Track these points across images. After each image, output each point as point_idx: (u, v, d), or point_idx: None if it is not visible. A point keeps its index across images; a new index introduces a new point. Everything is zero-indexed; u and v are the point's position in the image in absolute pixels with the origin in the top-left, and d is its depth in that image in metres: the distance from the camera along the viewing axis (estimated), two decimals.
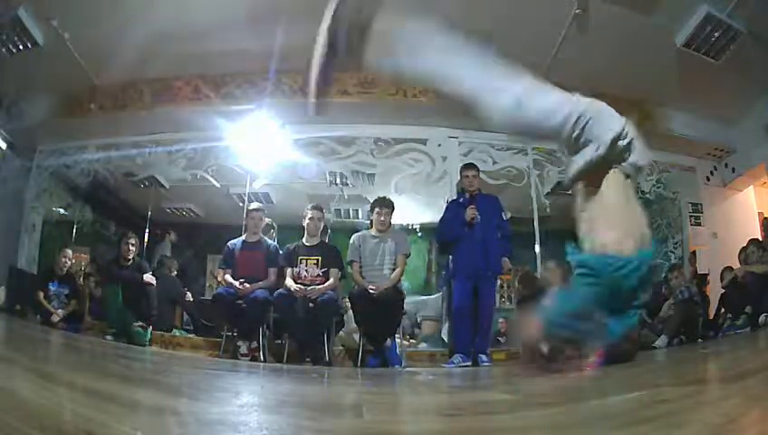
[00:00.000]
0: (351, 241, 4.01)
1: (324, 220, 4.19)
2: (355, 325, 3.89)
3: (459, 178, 4.18)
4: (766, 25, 4.04)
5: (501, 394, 1.41)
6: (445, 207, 4.20)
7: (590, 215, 1.39)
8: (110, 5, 4.17)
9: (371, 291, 3.65)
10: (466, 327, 3.78)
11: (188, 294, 5.57)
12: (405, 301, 3.94)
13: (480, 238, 3.80)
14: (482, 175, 5.32)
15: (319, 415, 0.96)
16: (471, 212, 3.82)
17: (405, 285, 4.20)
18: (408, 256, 3.98)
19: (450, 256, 4.08)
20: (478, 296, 3.79)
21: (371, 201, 4.27)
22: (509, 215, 4.06)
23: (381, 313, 3.69)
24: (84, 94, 5.26)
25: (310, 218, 4.01)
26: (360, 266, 3.91)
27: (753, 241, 4.63)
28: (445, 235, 4.06)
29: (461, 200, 4.02)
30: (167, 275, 5.27)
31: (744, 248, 4.58)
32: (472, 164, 4.26)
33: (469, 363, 3.61)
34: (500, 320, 6.77)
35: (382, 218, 3.99)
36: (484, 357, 3.66)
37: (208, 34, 4.45)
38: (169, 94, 5.18)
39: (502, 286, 8.00)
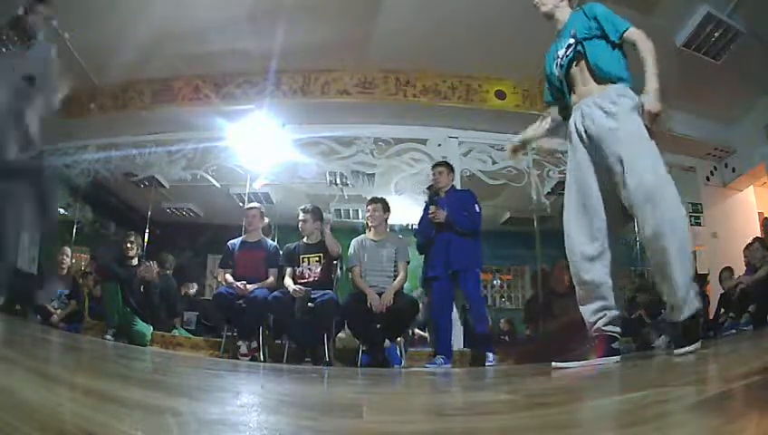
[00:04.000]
0: (350, 246, 4.00)
1: (322, 220, 4.15)
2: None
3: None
4: (766, 25, 4.04)
5: (501, 394, 1.41)
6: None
7: None
8: (109, 5, 4.17)
9: (373, 305, 3.64)
10: (443, 328, 3.73)
11: (194, 287, 5.58)
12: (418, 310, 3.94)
13: (448, 235, 3.72)
14: (481, 175, 5.35)
15: (319, 415, 0.96)
16: (431, 213, 3.76)
17: (405, 286, 4.18)
18: (408, 262, 3.99)
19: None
20: (463, 295, 3.78)
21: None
22: (479, 208, 3.86)
23: (391, 322, 3.70)
24: (84, 94, 5.26)
25: (302, 220, 4.02)
26: (361, 271, 3.90)
27: (758, 239, 4.63)
28: (418, 236, 4.00)
29: (434, 199, 3.94)
30: (166, 275, 5.26)
31: (749, 245, 4.57)
32: (440, 161, 4.19)
33: (449, 365, 3.57)
34: (501, 320, 6.80)
35: (369, 214, 4.02)
36: (490, 356, 3.65)
37: (208, 34, 4.45)
38: (169, 94, 5.19)
39: (502, 286, 8.04)
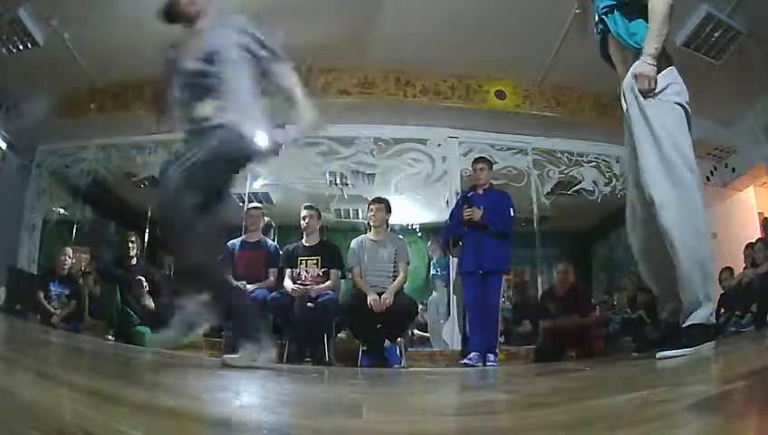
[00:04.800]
0: (350, 247, 4.00)
1: (321, 220, 4.17)
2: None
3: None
4: (766, 25, 4.04)
5: (501, 394, 1.41)
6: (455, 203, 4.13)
7: None
8: (109, 5, 4.17)
9: (373, 306, 3.64)
10: (476, 325, 3.74)
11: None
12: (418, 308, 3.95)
13: (479, 235, 3.75)
14: None
15: (319, 415, 0.96)
16: (468, 212, 3.77)
17: (405, 286, 4.19)
18: (408, 263, 3.99)
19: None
20: (484, 294, 3.78)
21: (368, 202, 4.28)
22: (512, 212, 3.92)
23: (391, 322, 3.70)
24: (84, 94, 5.26)
25: (303, 218, 4.02)
26: (361, 271, 3.90)
27: (761, 240, 4.63)
28: (447, 233, 4.03)
29: (469, 195, 3.97)
30: (165, 275, 5.26)
31: (750, 245, 4.57)
32: (481, 157, 4.22)
33: (481, 364, 3.59)
34: None
35: (372, 214, 4.02)
36: (491, 356, 3.65)
37: None
38: None
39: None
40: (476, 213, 3.72)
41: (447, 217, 4.18)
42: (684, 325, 1.83)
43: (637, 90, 1.96)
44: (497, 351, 3.76)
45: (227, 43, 2.17)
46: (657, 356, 1.82)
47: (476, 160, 4.10)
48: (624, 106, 2.09)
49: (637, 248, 2.12)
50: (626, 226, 2.18)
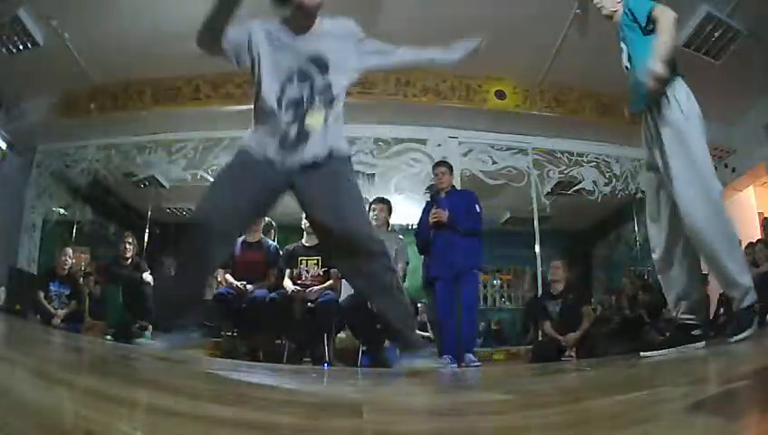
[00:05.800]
0: None
1: None
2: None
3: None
4: (766, 25, 4.04)
5: (501, 394, 1.41)
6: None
7: None
8: (110, 5, 4.17)
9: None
10: (451, 328, 3.72)
11: None
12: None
13: (449, 236, 3.71)
14: (481, 175, 5.35)
15: (319, 415, 0.96)
16: (434, 214, 3.74)
17: (405, 286, 4.18)
18: (408, 263, 3.98)
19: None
20: (459, 295, 3.76)
21: (369, 202, 4.26)
22: (479, 208, 3.83)
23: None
24: (84, 94, 5.26)
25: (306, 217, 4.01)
26: None
27: (761, 240, 4.63)
28: (419, 237, 4.01)
29: (436, 199, 3.96)
30: (166, 275, 5.26)
31: (751, 245, 4.56)
32: (441, 161, 4.21)
33: (455, 365, 3.57)
34: (493, 319, 6.84)
35: (376, 214, 4.00)
36: (471, 356, 3.62)
37: None
38: (169, 94, 5.19)
39: (503, 286, 8.04)
40: (443, 214, 3.71)
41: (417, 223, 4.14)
42: (741, 308, 2.00)
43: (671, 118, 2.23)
44: (474, 350, 3.74)
45: (345, 54, 1.93)
46: (730, 341, 1.99)
47: (437, 165, 4.10)
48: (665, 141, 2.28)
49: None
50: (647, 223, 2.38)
